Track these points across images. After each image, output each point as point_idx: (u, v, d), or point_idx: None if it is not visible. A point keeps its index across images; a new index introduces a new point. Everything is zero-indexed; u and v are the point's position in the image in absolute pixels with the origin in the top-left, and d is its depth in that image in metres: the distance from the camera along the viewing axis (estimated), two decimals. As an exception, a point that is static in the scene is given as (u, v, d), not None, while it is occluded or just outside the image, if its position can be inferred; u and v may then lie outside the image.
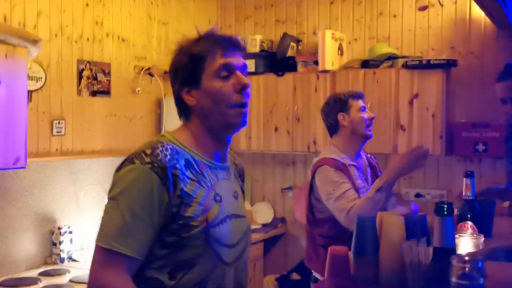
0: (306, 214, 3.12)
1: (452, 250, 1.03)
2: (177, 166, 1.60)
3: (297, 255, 4.86)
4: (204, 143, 1.71)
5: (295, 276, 4.61)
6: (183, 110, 1.72)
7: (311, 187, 3.04)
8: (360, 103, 3.07)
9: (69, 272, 3.46)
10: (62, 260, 3.65)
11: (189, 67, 1.69)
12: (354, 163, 3.04)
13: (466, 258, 0.87)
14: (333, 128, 3.11)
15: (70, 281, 3.31)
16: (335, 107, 3.07)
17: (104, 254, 1.55)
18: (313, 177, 3.00)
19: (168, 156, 1.60)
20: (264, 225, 4.94)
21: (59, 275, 3.41)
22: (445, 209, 1.04)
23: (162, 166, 1.57)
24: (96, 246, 1.57)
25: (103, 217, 1.59)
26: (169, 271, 1.61)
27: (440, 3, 3.59)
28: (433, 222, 1.75)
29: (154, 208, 1.56)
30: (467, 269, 0.84)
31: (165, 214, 1.57)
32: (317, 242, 3.01)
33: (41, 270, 3.49)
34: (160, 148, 1.61)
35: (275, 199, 5.11)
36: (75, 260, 3.70)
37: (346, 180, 2.90)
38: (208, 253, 1.64)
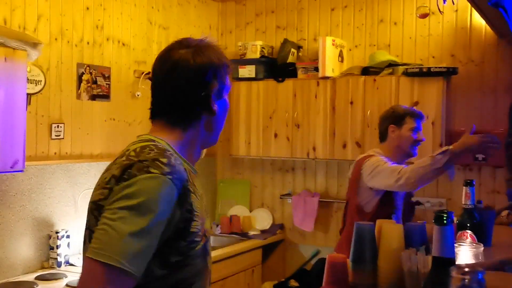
0: (348, 204, 3.31)
1: (452, 260, 1.02)
2: (187, 177, 1.51)
3: (295, 261, 4.85)
4: (192, 152, 1.63)
5: (293, 283, 4.60)
6: (193, 113, 1.60)
7: (356, 180, 3.21)
8: (415, 123, 3.24)
9: (66, 276, 3.44)
10: (59, 264, 3.63)
11: (224, 75, 1.65)
12: None
13: (466, 269, 0.86)
14: (382, 135, 3.33)
15: (67, 285, 3.29)
16: (390, 118, 3.28)
17: (110, 274, 1.35)
18: (362, 164, 3.18)
19: (181, 166, 1.50)
20: (262, 231, 4.92)
21: (56, 279, 3.40)
22: (444, 218, 1.03)
23: (181, 177, 1.47)
24: (97, 262, 1.35)
25: (114, 228, 1.37)
26: None
27: (439, 11, 3.58)
28: (432, 230, 1.74)
29: (165, 225, 1.43)
30: (466, 280, 0.83)
31: (171, 231, 1.45)
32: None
33: (38, 274, 3.47)
34: (173, 157, 1.48)
35: (273, 205, 5.09)
36: (72, 265, 3.68)
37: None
38: (204, 269, 1.59)
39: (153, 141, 1.55)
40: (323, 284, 2.01)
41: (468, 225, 1.98)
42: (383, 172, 3.04)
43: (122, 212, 1.39)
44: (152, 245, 1.41)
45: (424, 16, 3.73)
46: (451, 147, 2.82)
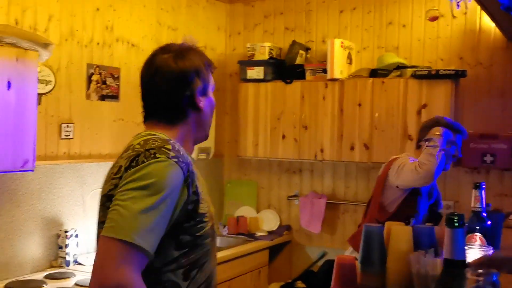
0: (374, 198, 3.36)
1: (463, 262, 1.03)
2: (191, 162, 1.64)
3: (302, 263, 4.86)
4: (186, 148, 1.74)
5: (300, 284, 4.60)
6: (181, 112, 1.73)
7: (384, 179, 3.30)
8: (453, 139, 3.22)
9: (74, 275, 3.46)
10: (67, 263, 3.65)
11: (206, 74, 1.79)
12: None
13: (480, 271, 0.86)
14: (418, 143, 3.35)
15: (76, 284, 3.31)
16: (431, 128, 3.26)
17: (125, 249, 1.44)
18: (391, 164, 3.28)
19: (184, 153, 1.64)
20: (269, 233, 4.93)
21: (65, 278, 3.42)
22: (455, 220, 1.04)
23: (186, 161, 1.60)
24: (112, 239, 1.45)
25: (125, 208, 1.47)
26: (183, 271, 1.61)
27: (452, 15, 3.59)
28: (441, 233, 1.74)
29: (176, 205, 1.54)
30: (481, 282, 0.83)
31: (181, 211, 1.56)
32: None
33: (47, 273, 3.49)
34: (176, 145, 1.63)
35: (281, 207, 5.10)
36: (80, 264, 3.70)
37: None
38: (213, 249, 1.72)
39: (154, 134, 1.67)
40: (332, 285, 2.02)
41: (478, 228, 1.99)
42: (406, 168, 3.16)
43: (132, 193, 1.49)
44: (162, 222, 1.50)
45: (434, 19, 3.73)
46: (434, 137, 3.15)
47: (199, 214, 1.61)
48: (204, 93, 1.78)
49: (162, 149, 1.57)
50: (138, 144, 1.62)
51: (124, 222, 1.46)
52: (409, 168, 3.15)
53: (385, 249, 1.95)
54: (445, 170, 3.28)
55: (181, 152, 1.61)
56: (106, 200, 1.60)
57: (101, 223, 1.60)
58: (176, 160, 1.56)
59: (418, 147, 3.33)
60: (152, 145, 1.58)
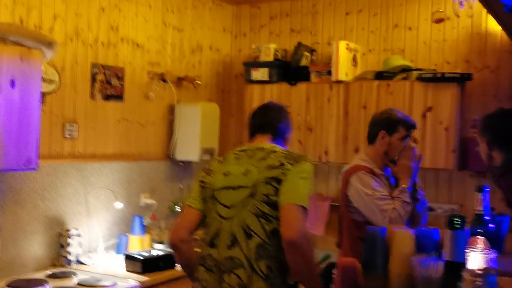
0: (342, 216, 3.18)
1: (463, 264, 1.01)
2: None
3: (306, 265, 4.83)
4: None
5: (302, 287, 4.57)
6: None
7: (345, 194, 3.11)
8: (406, 132, 3.12)
9: (75, 274, 3.46)
10: (69, 263, 3.65)
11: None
12: (382, 173, 3.14)
13: (478, 271, 0.85)
14: (371, 138, 3.19)
15: (78, 284, 3.30)
16: (383, 123, 3.14)
17: (304, 213, 2.33)
18: (347, 182, 3.08)
19: None
20: (273, 235, 4.91)
21: (66, 277, 3.42)
22: (456, 222, 1.02)
23: None
24: (300, 207, 2.32)
25: (303, 187, 2.36)
26: None
27: (456, 15, 3.55)
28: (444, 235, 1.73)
29: None
30: (478, 283, 0.82)
31: None
32: (357, 246, 2.93)
33: (49, 272, 3.49)
34: None
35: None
36: (82, 263, 3.69)
37: (380, 184, 3.04)
38: None
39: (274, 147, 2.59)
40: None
41: (481, 231, 1.97)
42: (374, 211, 2.95)
43: (304, 179, 2.39)
44: None
45: (439, 21, 3.70)
46: (403, 185, 3.00)
47: None
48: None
49: (302, 156, 2.55)
50: (281, 151, 2.55)
51: (305, 195, 2.40)
52: (377, 212, 2.94)
53: (387, 252, 1.94)
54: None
55: None
56: (272, 181, 2.40)
57: (265, 196, 2.39)
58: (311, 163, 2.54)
59: (370, 142, 3.17)
60: (299, 154, 2.56)
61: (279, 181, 2.35)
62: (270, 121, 2.66)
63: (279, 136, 2.65)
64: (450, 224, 0.97)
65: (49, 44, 3.11)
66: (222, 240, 2.42)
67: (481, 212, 1.95)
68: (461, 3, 3.16)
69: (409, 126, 3.15)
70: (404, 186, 2.98)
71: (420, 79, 4.21)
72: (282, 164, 2.39)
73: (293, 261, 2.31)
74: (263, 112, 2.71)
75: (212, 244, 2.46)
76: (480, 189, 1.98)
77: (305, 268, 2.35)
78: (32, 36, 3.05)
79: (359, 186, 3.02)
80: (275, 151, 2.48)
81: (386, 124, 3.13)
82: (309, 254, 2.34)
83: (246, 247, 2.35)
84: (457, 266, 0.98)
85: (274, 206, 2.35)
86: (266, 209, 2.36)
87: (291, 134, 2.77)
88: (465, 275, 0.80)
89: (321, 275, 4.52)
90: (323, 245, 4.85)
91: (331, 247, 4.75)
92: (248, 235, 2.36)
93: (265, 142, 2.60)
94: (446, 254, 1.00)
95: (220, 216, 2.45)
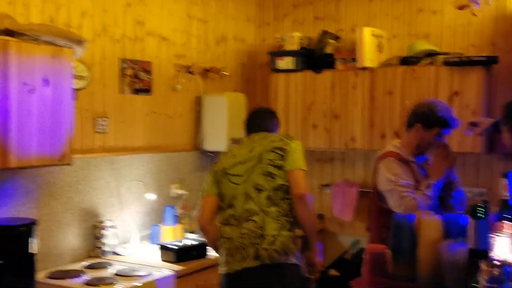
0: (372, 200, 3.22)
1: (486, 251, 1.05)
2: None
3: (335, 251, 4.89)
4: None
5: (333, 272, 4.63)
6: None
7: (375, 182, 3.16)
8: (443, 131, 3.11)
9: (111, 265, 3.56)
10: (105, 254, 3.75)
11: None
12: (413, 160, 3.15)
13: (496, 262, 0.89)
14: (409, 126, 3.18)
15: (116, 274, 3.39)
16: (422, 117, 3.13)
17: (305, 175, 3.04)
18: (377, 168, 3.13)
19: None
20: (301, 222, 4.96)
21: (103, 268, 3.51)
22: (479, 212, 1.06)
23: None
24: (303, 170, 3.01)
25: (302, 156, 3.03)
26: None
27: (477, 3, 3.53)
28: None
29: None
30: (495, 272, 0.85)
31: None
32: (382, 236, 2.94)
33: (85, 263, 3.60)
34: None
35: (313, 196, 5.11)
36: (117, 254, 3.79)
37: (407, 172, 3.06)
38: None
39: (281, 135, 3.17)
40: (364, 274, 2.05)
41: (508, 216, 1.98)
42: (393, 196, 2.98)
43: (299, 152, 3.03)
44: None
45: (462, 7, 3.69)
46: (430, 181, 2.99)
47: None
48: None
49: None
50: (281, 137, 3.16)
51: (301, 162, 3.01)
52: (396, 199, 2.97)
53: (416, 238, 1.98)
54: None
55: None
56: (276, 150, 3.02)
57: (271, 163, 3.00)
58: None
59: (408, 128, 3.18)
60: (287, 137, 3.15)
61: (283, 150, 2.98)
62: (260, 123, 3.20)
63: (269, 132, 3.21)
64: (473, 213, 1.01)
65: (79, 42, 3.19)
66: (239, 200, 2.99)
67: (507, 198, 1.98)
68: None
69: (448, 126, 3.12)
70: (431, 182, 2.98)
71: (445, 63, 4.20)
72: (281, 140, 3.04)
73: (301, 212, 2.92)
74: (255, 116, 3.26)
75: (230, 206, 3.03)
76: (506, 175, 2.00)
77: (309, 219, 2.96)
78: (63, 35, 3.13)
79: (385, 172, 3.06)
80: (272, 134, 3.14)
81: (424, 119, 3.11)
82: (312, 206, 2.97)
83: (257, 199, 2.94)
84: (480, 253, 1.02)
85: (278, 167, 2.96)
86: (271, 169, 2.97)
87: (279, 130, 3.34)
88: (482, 265, 0.83)
89: (352, 260, 4.59)
90: (352, 231, 4.91)
91: (360, 233, 4.81)
92: (259, 190, 2.96)
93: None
94: (470, 241, 1.04)
95: (233, 183, 3.03)
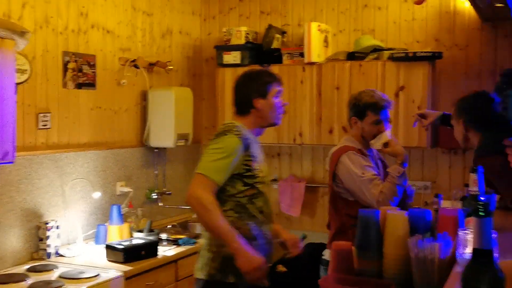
0: (332, 196, 3.21)
1: (490, 251, 1.04)
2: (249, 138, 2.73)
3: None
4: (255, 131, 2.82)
5: (281, 268, 4.61)
6: (245, 108, 2.82)
7: (334, 173, 3.14)
8: (378, 116, 3.13)
9: (56, 267, 3.41)
10: (48, 255, 3.59)
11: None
12: (368, 154, 3.20)
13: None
14: (348, 120, 3.26)
15: (60, 277, 3.25)
16: (353, 109, 3.20)
17: (201, 178, 2.63)
18: (338, 162, 3.10)
19: (247, 133, 2.72)
20: (249, 217, 4.93)
21: (47, 271, 3.36)
22: (481, 210, 1.05)
23: (245, 137, 2.69)
24: (198, 174, 2.64)
25: (207, 157, 2.65)
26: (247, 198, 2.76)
27: None
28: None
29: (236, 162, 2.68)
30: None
31: (241, 164, 2.66)
32: (346, 224, 3.08)
33: (28, 265, 3.43)
34: (242, 129, 2.70)
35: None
36: (61, 255, 3.64)
37: (370, 163, 3.09)
38: (265, 190, 2.82)
39: (231, 123, 2.76)
40: (329, 271, 2.03)
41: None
42: (360, 189, 3.00)
43: (211, 152, 2.65)
44: (228, 168, 2.61)
45: (420, 2, 3.74)
46: (398, 161, 3.03)
47: (253, 168, 2.68)
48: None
49: (232, 129, 2.68)
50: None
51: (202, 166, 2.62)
52: (367, 190, 2.98)
53: (381, 234, 1.97)
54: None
55: (243, 132, 2.68)
56: None
57: None
58: (239, 136, 2.65)
59: (349, 121, 3.24)
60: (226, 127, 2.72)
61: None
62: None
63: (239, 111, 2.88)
64: (476, 212, 0.99)
65: (22, 33, 3.02)
66: None
67: (477, 193, 2.01)
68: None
69: (379, 107, 3.14)
70: (398, 162, 3.02)
71: (391, 58, 4.26)
72: (214, 135, 2.78)
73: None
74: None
75: None
76: (474, 170, 2.03)
77: (202, 222, 2.69)
78: (4, 26, 2.96)
79: (350, 166, 3.06)
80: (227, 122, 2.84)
81: (355, 110, 3.18)
82: (201, 212, 2.58)
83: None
84: (484, 253, 1.01)
85: None
86: None
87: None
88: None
89: (299, 255, 4.57)
90: (299, 226, 4.91)
91: (307, 227, 4.83)
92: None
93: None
94: (473, 241, 1.02)
95: None
